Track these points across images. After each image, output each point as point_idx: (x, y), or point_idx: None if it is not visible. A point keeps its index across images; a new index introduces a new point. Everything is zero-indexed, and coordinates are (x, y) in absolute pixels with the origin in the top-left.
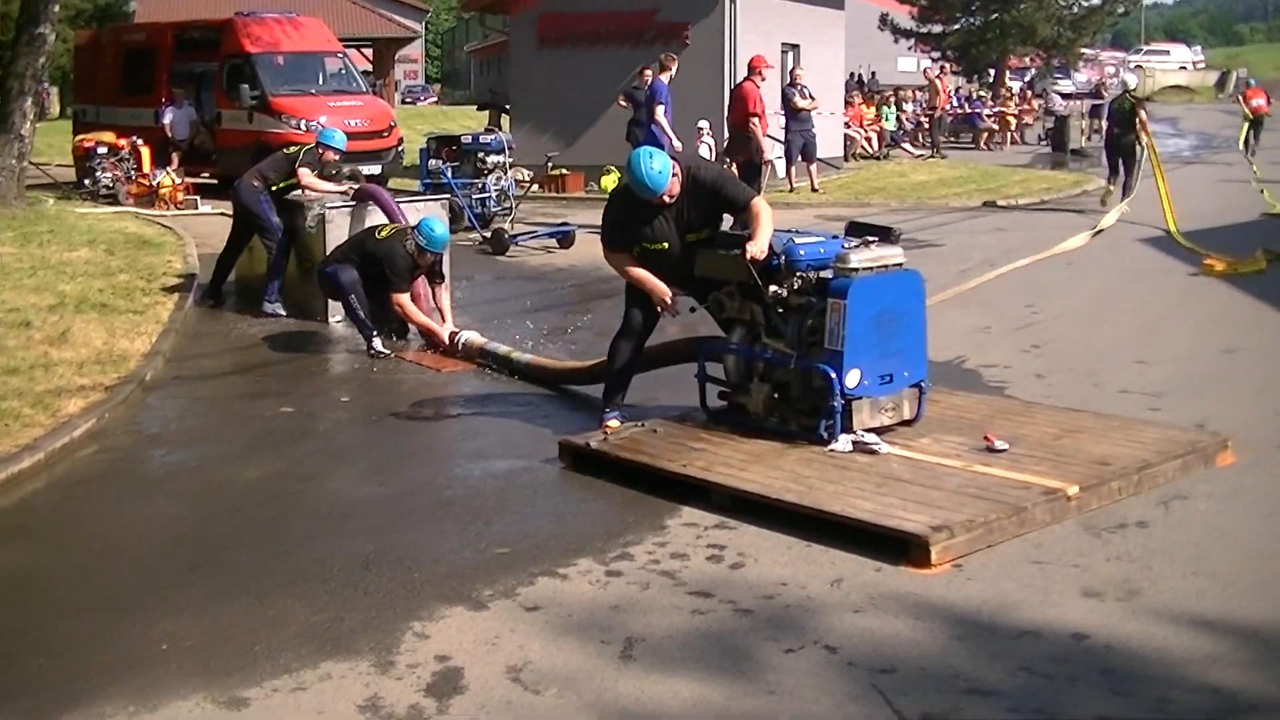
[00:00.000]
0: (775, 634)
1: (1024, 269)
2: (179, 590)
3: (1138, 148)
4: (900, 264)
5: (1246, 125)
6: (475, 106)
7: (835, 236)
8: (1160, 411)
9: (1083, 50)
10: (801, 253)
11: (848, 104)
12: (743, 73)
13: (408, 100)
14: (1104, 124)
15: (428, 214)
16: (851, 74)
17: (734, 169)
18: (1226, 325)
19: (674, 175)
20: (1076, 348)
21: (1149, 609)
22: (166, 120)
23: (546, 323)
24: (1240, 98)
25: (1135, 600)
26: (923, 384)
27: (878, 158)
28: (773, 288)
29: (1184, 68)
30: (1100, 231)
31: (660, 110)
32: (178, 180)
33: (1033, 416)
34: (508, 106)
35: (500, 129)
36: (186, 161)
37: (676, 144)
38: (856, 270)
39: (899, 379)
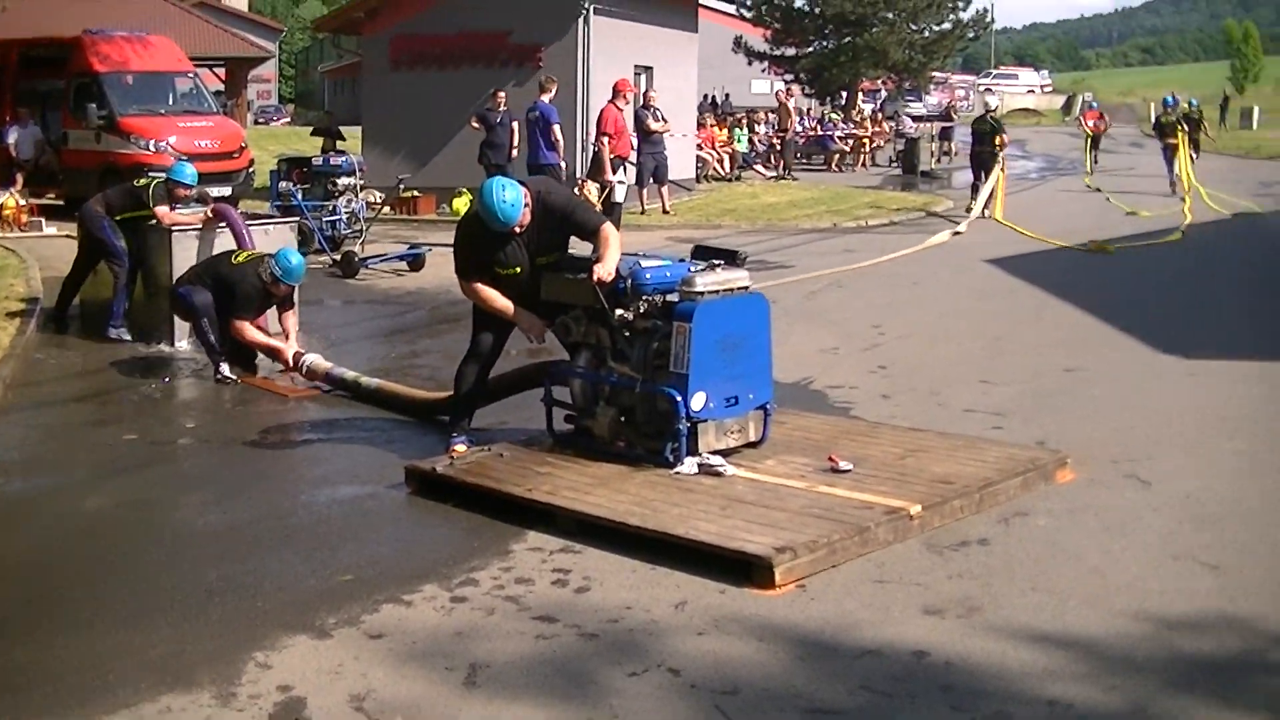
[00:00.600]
0: (619, 658)
1: (874, 289)
2: (12, 625)
3: (994, 163)
4: (746, 287)
5: (1087, 143)
6: (310, 131)
7: (682, 260)
8: (1003, 430)
9: (934, 74)
10: (648, 276)
11: (700, 126)
12: (596, 95)
13: (261, 120)
14: (953, 145)
15: (279, 239)
16: (705, 96)
17: (586, 190)
18: (1068, 345)
19: (525, 205)
20: (922, 368)
21: (988, 625)
22: (10, 140)
23: (396, 346)
24: (1081, 119)
25: (975, 617)
26: (768, 406)
27: (729, 179)
28: (619, 311)
29: (1032, 91)
30: (958, 233)
31: (557, 129)
32: (21, 202)
33: (877, 437)
34: (340, 131)
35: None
36: (31, 182)
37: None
38: (702, 294)
39: (744, 401)
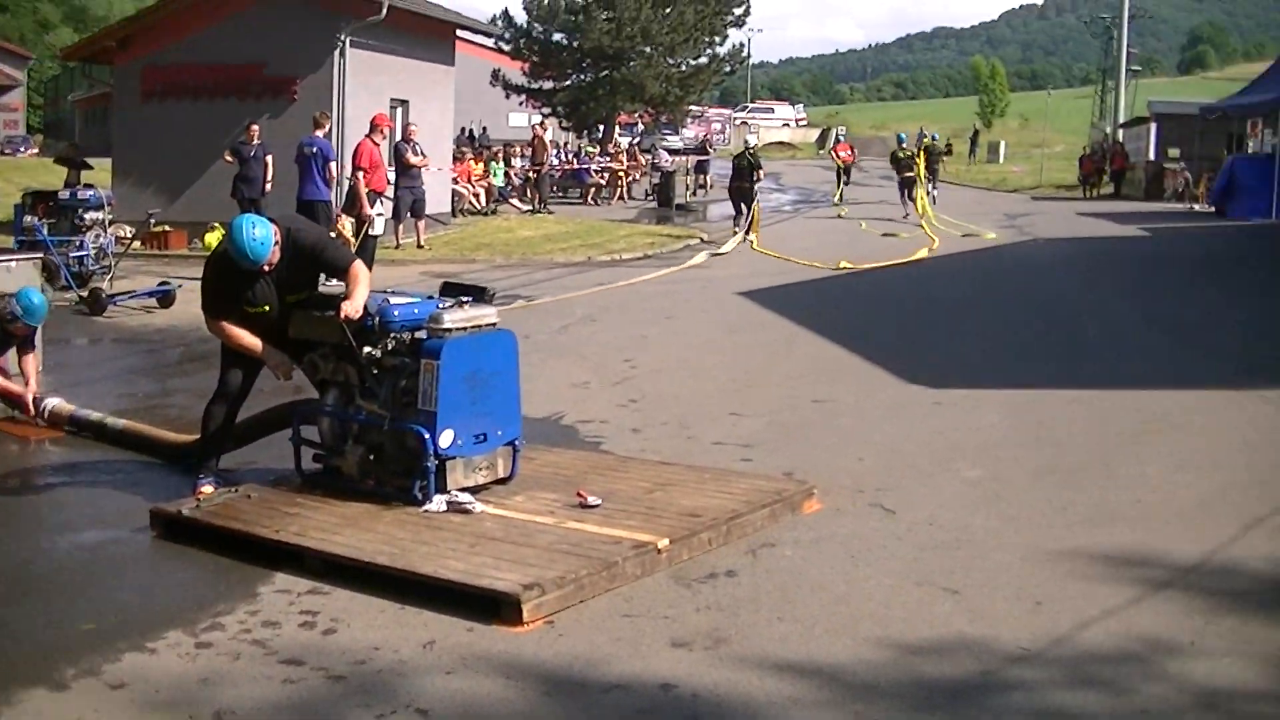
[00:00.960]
0: (367, 700)
1: (626, 323)
2: None
3: (753, 196)
4: (494, 324)
5: (838, 174)
6: (54, 159)
7: (431, 297)
8: (751, 462)
9: (690, 107)
10: (396, 313)
11: (457, 159)
12: (352, 128)
13: (6, 151)
14: (709, 178)
15: (22, 277)
16: (462, 129)
17: (342, 225)
18: (817, 376)
19: (275, 243)
20: (673, 401)
21: (735, 656)
22: None
23: (145, 386)
24: (833, 152)
25: (722, 648)
26: (517, 442)
27: (486, 213)
28: (367, 349)
29: (787, 125)
30: (719, 254)
31: (334, 165)
32: None
33: (627, 471)
34: (88, 162)
35: (83, 184)
36: None
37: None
38: (450, 330)
39: (493, 438)
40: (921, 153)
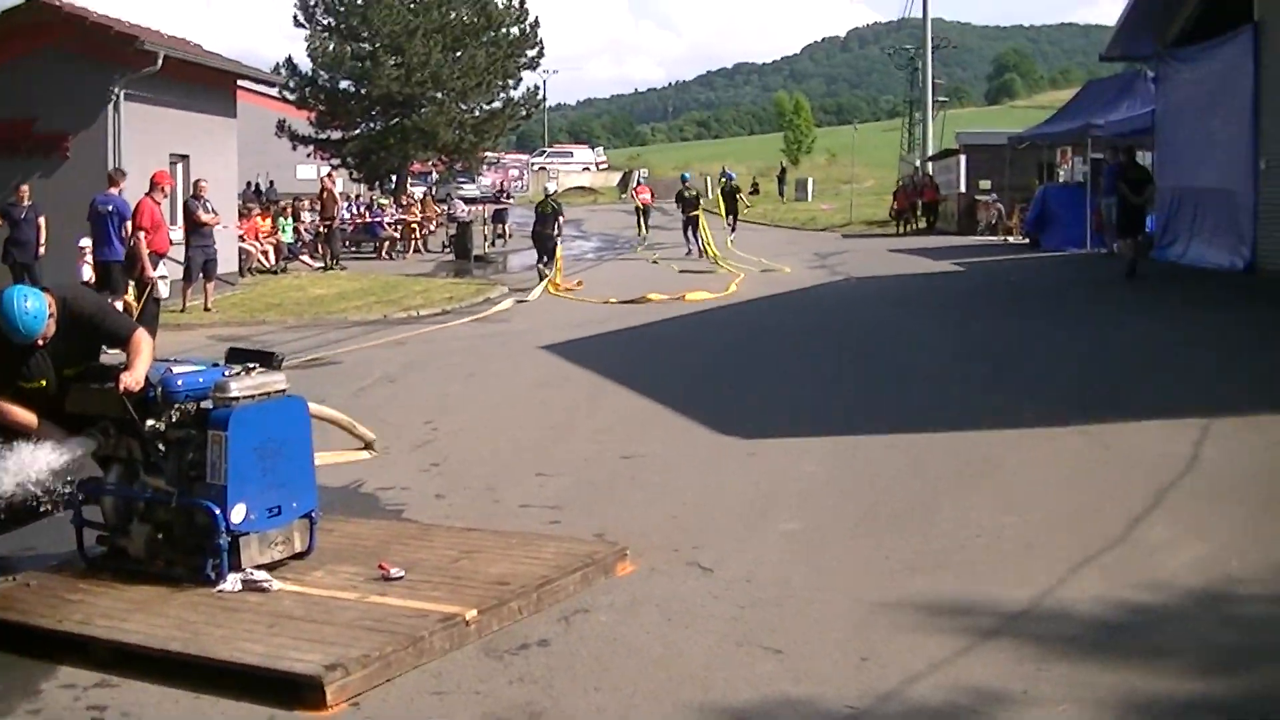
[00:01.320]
0: None
1: (427, 383)
2: None
3: (557, 241)
4: (283, 390)
5: (639, 216)
6: None
7: (216, 364)
8: (560, 524)
9: (486, 154)
10: (179, 383)
11: (243, 216)
12: (129, 186)
13: None
14: (508, 228)
15: None
16: (248, 183)
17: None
18: (626, 431)
19: (50, 315)
20: (477, 463)
21: None
22: None
23: None
24: (633, 193)
25: None
26: (314, 513)
27: (275, 272)
28: (150, 421)
29: (587, 169)
30: (527, 301)
31: (130, 225)
32: None
33: (431, 539)
34: None
35: None
36: None
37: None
38: (237, 399)
39: (288, 510)
40: (720, 193)
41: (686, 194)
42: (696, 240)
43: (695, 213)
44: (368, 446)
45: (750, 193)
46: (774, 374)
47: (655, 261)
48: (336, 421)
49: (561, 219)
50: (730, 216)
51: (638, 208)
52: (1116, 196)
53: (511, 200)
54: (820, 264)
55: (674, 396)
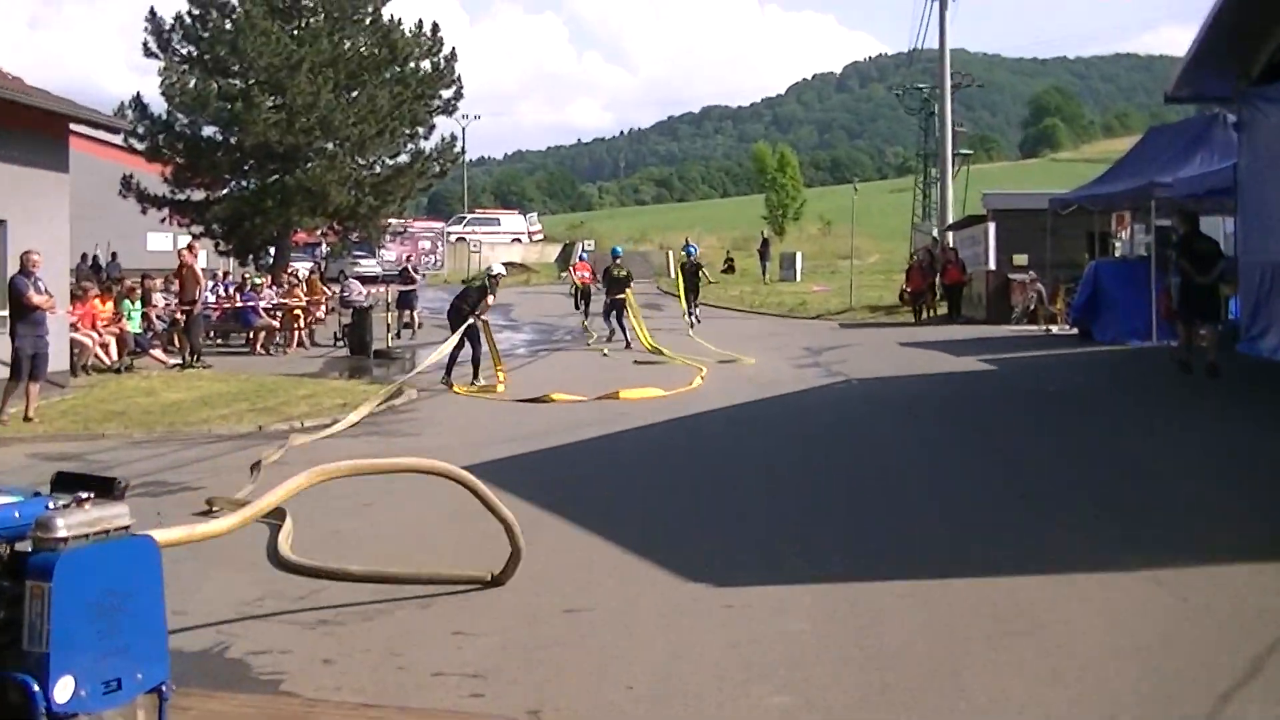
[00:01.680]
0: None
1: (312, 515)
2: None
3: (479, 329)
4: (127, 527)
5: (576, 295)
6: None
7: (38, 494)
8: (484, 697)
9: (390, 221)
10: None
11: (77, 298)
12: None
13: None
14: (417, 315)
15: None
16: (84, 256)
17: None
18: (566, 577)
19: None
20: (377, 617)
21: None
22: None
23: None
24: (571, 270)
25: None
26: (164, 687)
27: (118, 370)
28: None
29: (518, 240)
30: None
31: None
32: None
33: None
34: None
35: None
36: None
37: None
38: (65, 540)
39: (130, 683)
40: (679, 270)
41: (615, 272)
42: (623, 327)
43: (621, 295)
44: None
45: (724, 270)
46: (753, 503)
47: (605, 354)
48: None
49: (490, 298)
50: (691, 299)
51: (576, 288)
52: (1180, 275)
53: (422, 279)
54: (812, 361)
55: (628, 533)
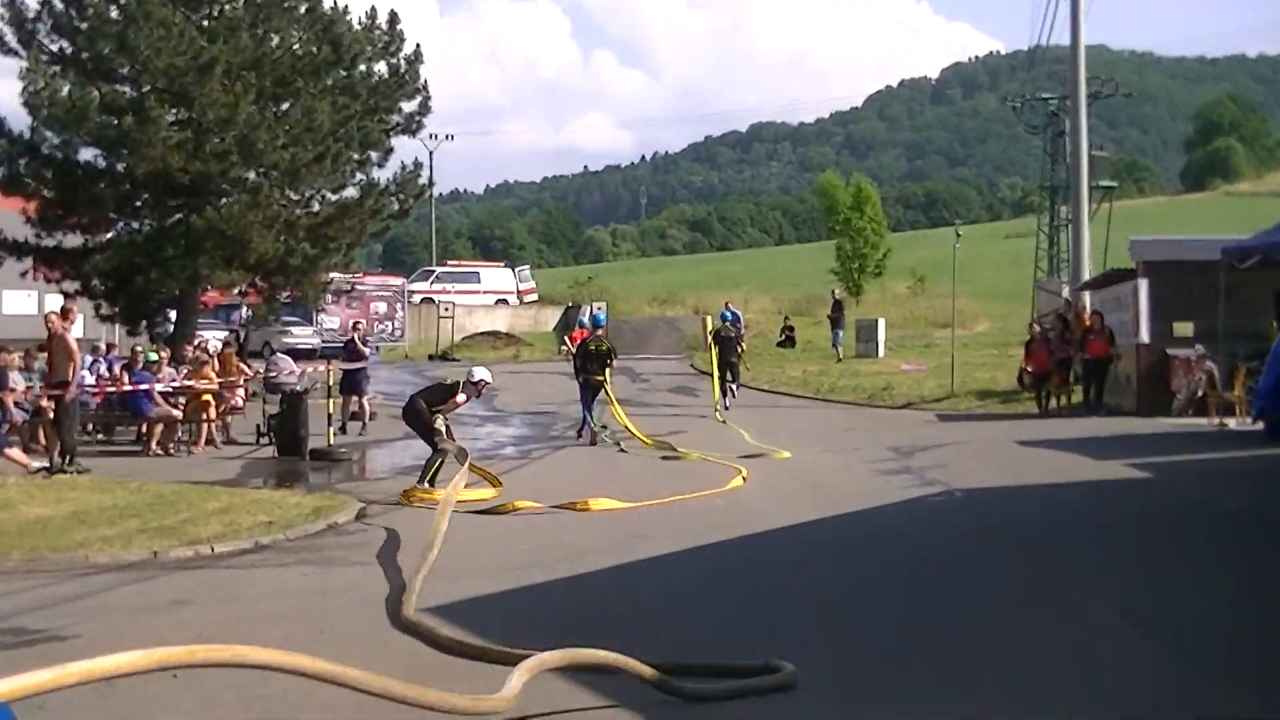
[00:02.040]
0: None
1: (217, 679)
2: None
3: (438, 434)
4: None
5: (577, 372)
6: None
7: None
8: None
9: (332, 276)
10: None
11: None
12: None
13: None
14: (366, 402)
15: None
16: None
17: None
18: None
19: None
20: None
21: None
22: None
23: None
24: (568, 342)
25: None
26: None
27: None
28: None
29: (504, 301)
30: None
31: None
32: None
33: None
34: None
35: None
36: None
37: None
38: None
39: None
40: (712, 340)
41: (595, 346)
42: (590, 412)
43: (600, 377)
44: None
45: (781, 342)
46: (822, 660)
47: (622, 449)
48: None
49: (460, 398)
50: (726, 375)
51: (569, 356)
52: None
53: (375, 355)
54: (898, 466)
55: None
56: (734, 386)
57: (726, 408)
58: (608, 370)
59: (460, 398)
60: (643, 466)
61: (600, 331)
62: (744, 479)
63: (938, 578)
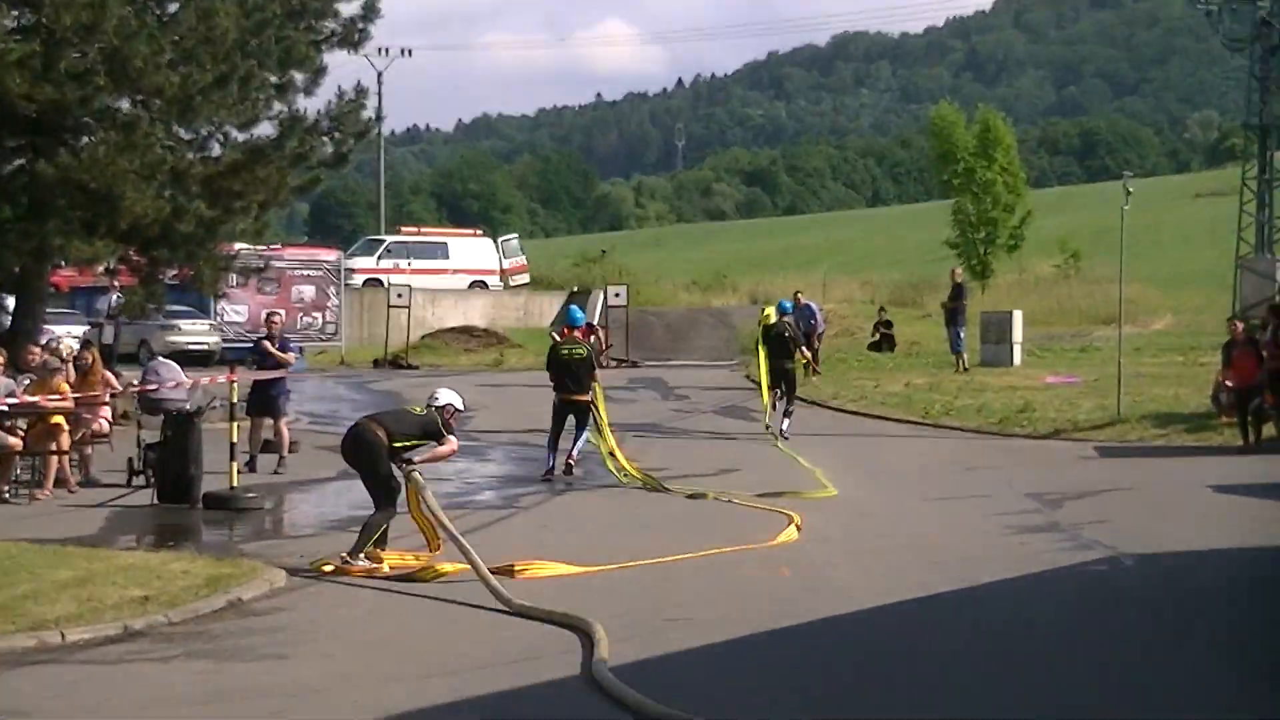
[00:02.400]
0: None
1: None
2: None
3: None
4: None
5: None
6: None
7: None
8: None
9: (238, 248)
10: None
11: None
12: None
13: None
14: (283, 425)
15: None
16: None
17: None
18: None
19: None
20: None
21: None
22: None
23: None
24: (554, 339)
25: None
26: None
27: None
28: None
29: (481, 284)
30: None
31: None
32: None
33: None
34: None
35: None
36: None
37: None
38: None
39: None
40: (762, 338)
41: (565, 352)
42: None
43: (584, 397)
44: None
45: (873, 344)
46: None
47: (650, 486)
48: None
49: (450, 442)
50: (779, 386)
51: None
52: None
53: (299, 359)
54: (1043, 520)
55: None
56: (789, 406)
57: (784, 434)
58: (595, 387)
59: (453, 443)
60: (686, 512)
61: (578, 333)
62: (798, 527)
63: (1085, 682)
